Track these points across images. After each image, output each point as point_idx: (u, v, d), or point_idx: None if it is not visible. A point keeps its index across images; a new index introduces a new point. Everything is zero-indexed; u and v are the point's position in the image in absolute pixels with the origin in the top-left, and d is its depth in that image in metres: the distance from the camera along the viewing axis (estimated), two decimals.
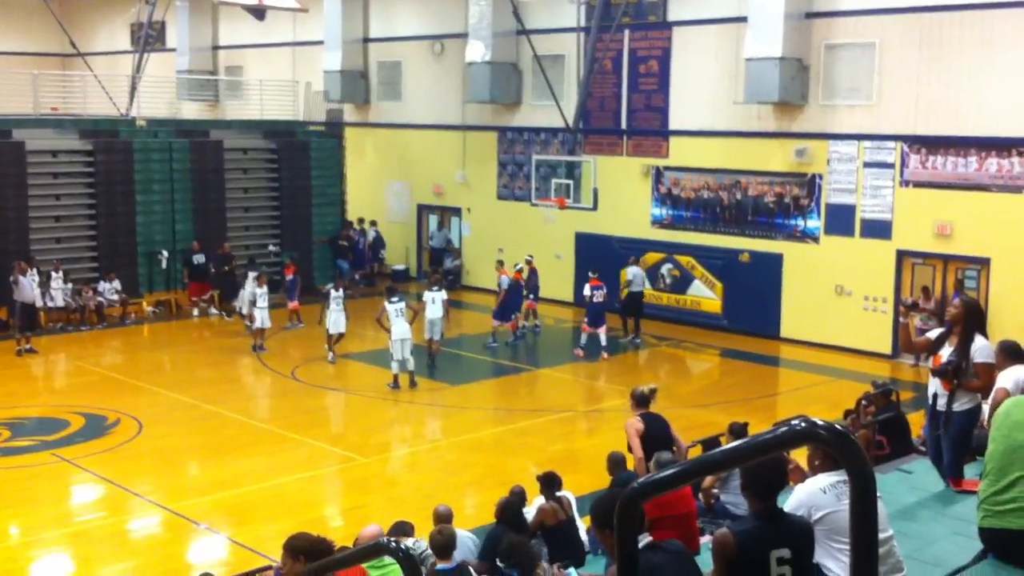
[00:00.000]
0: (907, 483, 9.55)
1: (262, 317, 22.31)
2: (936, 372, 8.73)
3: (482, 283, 29.01)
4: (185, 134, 28.04)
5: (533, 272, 24.14)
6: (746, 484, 5.16)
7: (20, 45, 40.26)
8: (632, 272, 23.50)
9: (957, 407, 8.88)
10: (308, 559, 6.27)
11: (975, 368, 8.64)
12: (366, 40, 31.69)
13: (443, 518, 10.33)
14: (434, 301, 20.50)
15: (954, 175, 20.72)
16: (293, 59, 33.38)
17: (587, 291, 22.03)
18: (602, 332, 21.86)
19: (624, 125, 25.91)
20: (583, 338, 22.15)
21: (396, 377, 19.30)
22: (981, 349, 8.65)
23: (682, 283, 24.70)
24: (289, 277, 24.83)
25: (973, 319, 8.90)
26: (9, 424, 17.22)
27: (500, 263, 24.20)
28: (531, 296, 23.87)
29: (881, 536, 5.51)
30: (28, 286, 22.12)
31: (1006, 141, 19.96)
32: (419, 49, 30.23)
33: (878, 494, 6.12)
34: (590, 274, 22.51)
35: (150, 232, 26.37)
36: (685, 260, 24.71)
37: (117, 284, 25.18)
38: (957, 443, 9.10)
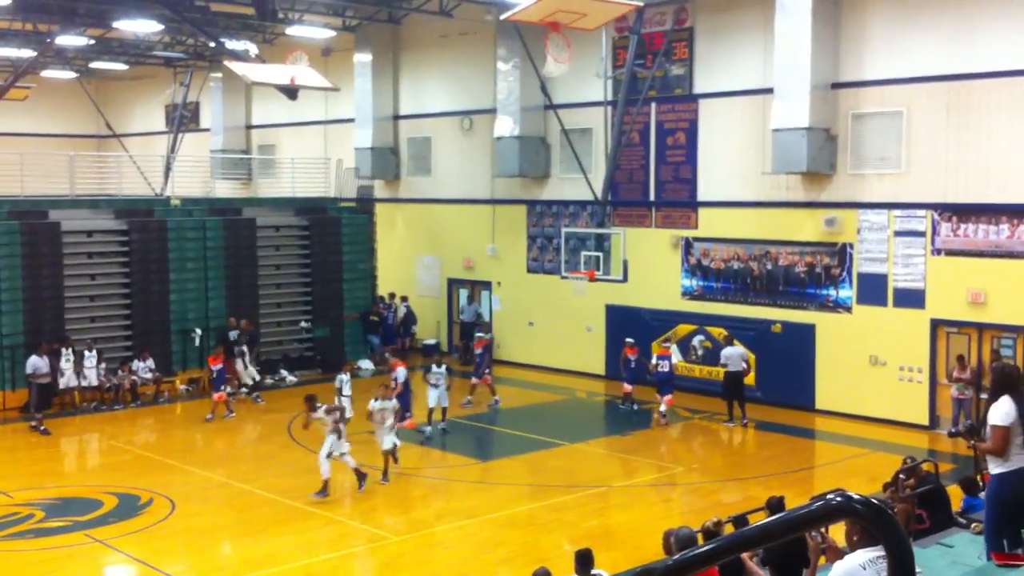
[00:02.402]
0: (948, 557, 9.39)
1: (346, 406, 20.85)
2: (950, 434, 8.63)
3: (514, 357, 29.00)
4: (218, 212, 28.38)
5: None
6: (767, 559, 5.07)
7: (57, 127, 41.13)
8: (727, 353, 22.75)
9: (991, 470, 8.75)
10: None
11: (990, 430, 8.53)
12: (396, 117, 32.11)
13: None
14: (437, 381, 21.53)
15: (986, 242, 20.59)
16: (325, 137, 33.84)
17: (653, 360, 23.18)
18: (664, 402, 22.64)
19: (653, 197, 26.00)
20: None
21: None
22: (995, 411, 8.52)
23: (715, 355, 24.53)
24: (218, 366, 23.71)
25: (1001, 382, 8.80)
26: (42, 505, 17.24)
27: (394, 354, 23.24)
28: (486, 372, 24.08)
29: None
30: (43, 366, 22.82)
31: None
32: (448, 125, 30.58)
33: (918, 570, 6.01)
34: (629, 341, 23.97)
35: (184, 310, 26.59)
36: (717, 331, 24.60)
37: (151, 362, 25.33)
38: (988, 509, 8.93)
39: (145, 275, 26.08)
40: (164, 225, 26.59)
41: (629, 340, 23.97)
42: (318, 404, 18.04)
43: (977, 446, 8.62)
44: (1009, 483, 8.60)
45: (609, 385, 26.33)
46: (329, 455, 17.60)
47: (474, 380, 24.13)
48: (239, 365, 25.24)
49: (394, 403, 18.76)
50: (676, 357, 23.99)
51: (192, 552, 15.23)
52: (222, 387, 23.50)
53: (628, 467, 19.93)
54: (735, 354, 22.61)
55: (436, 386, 21.50)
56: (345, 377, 21.72)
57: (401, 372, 21.39)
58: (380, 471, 18.40)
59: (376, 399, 18.69)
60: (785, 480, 17.91)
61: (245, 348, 25.51)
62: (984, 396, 9.13)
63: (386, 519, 16.90)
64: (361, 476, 17.86)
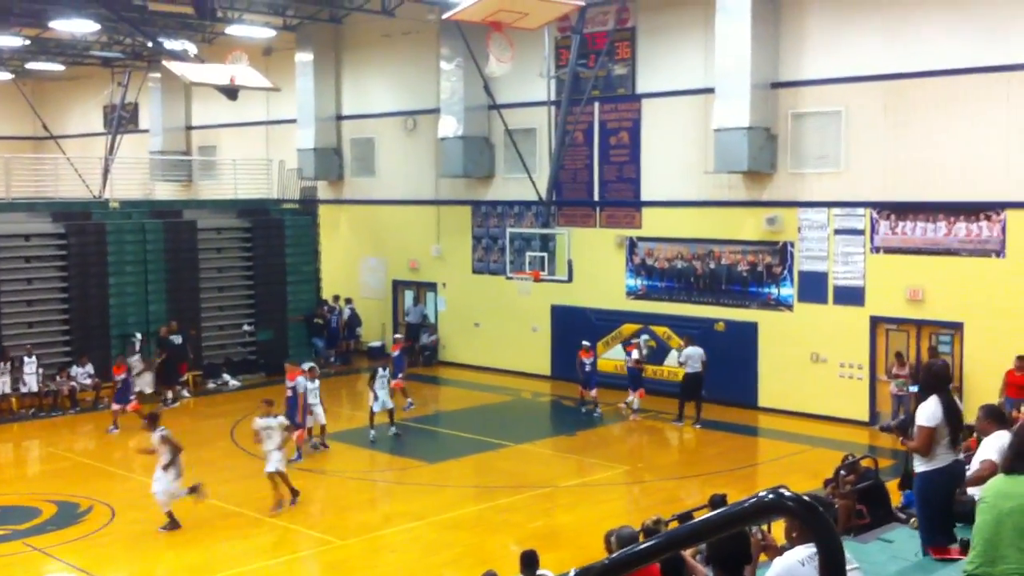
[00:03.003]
0: (888, 552, 9.50)
1: (317, 412, 20.54)
2: (881, 428, 8.77)
3: (459, 359, 28.96)
4: (159, 215, 28.02)
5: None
6: (710, 556, 5.08)
7: None
8: (689, 353, 22.68)
9: (917, 468, 8.87)
10: None
11: (916, 429, 8.64)
12: (339, 117, 31.92)
13: None
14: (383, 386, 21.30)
15: (924, 240, 20.90)
16: (267, 137, 33.56)
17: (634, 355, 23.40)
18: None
19: (597, 196, 26.08)
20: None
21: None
22: (922, 411, 8.62)
23: (659, 354, 24.67)
24: (121, 376, 22.92)
25: (929, 381, 8.91)
26: None
27: (293, 362, 22.00)
28: (399, 375, 23.36)
29: None
30: None
31: (973, 205, 20.18)
32: (392, 125, 30.46)
33: (856, 566, 6.06)
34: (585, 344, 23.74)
35: (123, 314, 26.20)
36: (661, 331, 24.73)
37: (90, 368, 24.92)
38: (921, 506, 9.05)
39: (83, 279, 25.68)
40: (103, 228, 26.20)
41: (585, 343, 23.85)
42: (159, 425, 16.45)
43: (904, 443, 8.73)
44: (934, 481, 8.71)
45: (555, 385, 26.38)
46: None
47: (394, 383, 23.76)
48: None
49: (280, 420, 17.28)
50: (639, 353, 23.68)
51: (133, 560, 15.03)
52: (131, 397, 22.76)
53: (574, 467, 19.96)
54: (696, 354, 22.56)
55: (381, 391, 21.30)
56: (311, 385, 20.37)
57: (300, 382, 20.11)
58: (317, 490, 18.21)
59: (260, 416, 17.35)
60: (729, 478, 18.04)
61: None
62: None
63: (331, 523, 16.77)
64: (172, 522, 15.92)
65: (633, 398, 23.12)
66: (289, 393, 19.96)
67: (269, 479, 17.01)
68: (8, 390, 23.61)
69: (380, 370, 21.67)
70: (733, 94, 22.43)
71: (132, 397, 22.89)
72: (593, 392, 23.33)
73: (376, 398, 21.27)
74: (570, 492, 18.23)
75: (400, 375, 23.36)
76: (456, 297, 29.31)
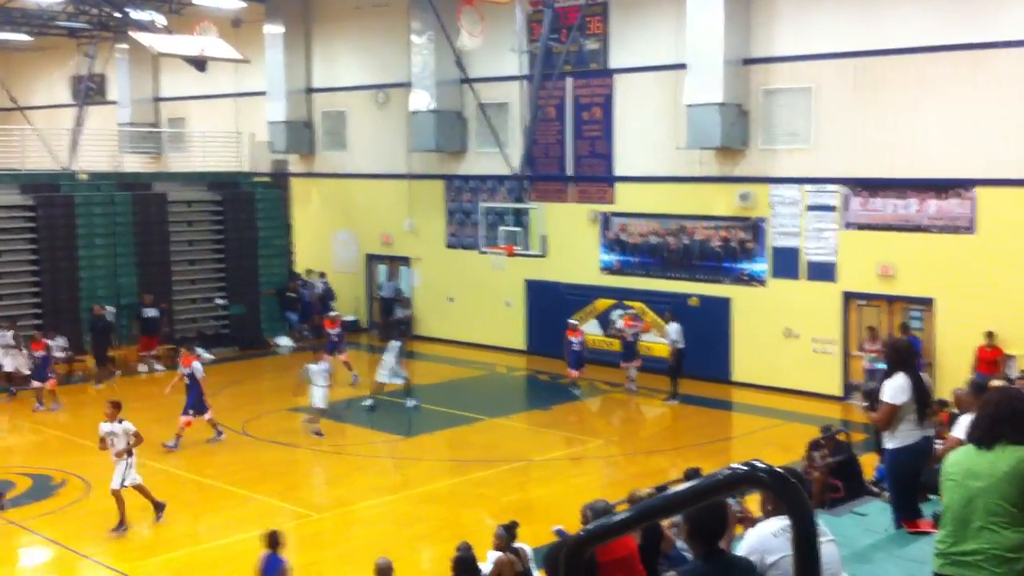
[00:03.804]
0: (861, 525, 9.62)
1: (321, 396, 19.89)
2: (865, 393, 8.84)
3: (433, 332, 28.97)
4: (128, 187, 27.78)
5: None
6: (688, 530, 5.12)
7: None
8: (674, 328, 22.64)
9: (886, 444, 9.00)
10: None
11: (880, 404, 8.77)
12: (310, 90, 31.71)
13: (384, 571, 10.34)
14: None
15: (895, 216, 21.07)
16: (236, 110, 33.28)
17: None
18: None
19: (570, 171, 26.09)
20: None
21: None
22: (888, 387, 8.72)
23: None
24: (40, 353, 22.43)
25: (895, 358, 9.02)
26: None
27: (190, 349, 20.74)
28: (342, 350, 23.92)
29: None
30: None
31: (943, 182, 20.36)
32: (363, 99, 30.29)
33: (831, 538, 6.15)
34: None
35: (93, 287, 26.03)
36: (636, 306, 24.83)
37: (62, 341, 24.63)
38: (891, 482, 9.19)
39: (52, 252, 25.47)
40: (71, 200, 25.98)
41: (572, 322, 23.82)
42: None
43: (868, 415, 8.86)
44: (901, 458, 8.84)
45: (530, 360, 26.46)
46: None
47: (340, 357, 23.72)
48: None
49: (126, 426, 14.93)
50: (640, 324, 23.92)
51: (108, 533, 14.98)
52: (49, 374, 22.25)
53: (548, 441, 20.05)
54: (680, 330, 22.61)
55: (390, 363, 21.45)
56: (317, 367, 19.92)
57: (197, 367, 19.24)
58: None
59: (105, 421, 15.13)
60: (702, 451, 18.20)
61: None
62: None
63: (307, 496, 16.80)
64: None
65: (632, 369, 23.15)
66: (187, 380, 19.14)
67: (114, 497, 14.77)
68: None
69: (395, 342, 21.70)
70: (705, 70, 22.47)
71: (51, 374, 22.32)
72: (577, 372, 23.15)
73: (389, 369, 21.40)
74: (544, 466, 18.34)
75: (341, 351, 23.78)
76: (430, 272, 29.28)
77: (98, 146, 32.34)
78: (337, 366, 22.40)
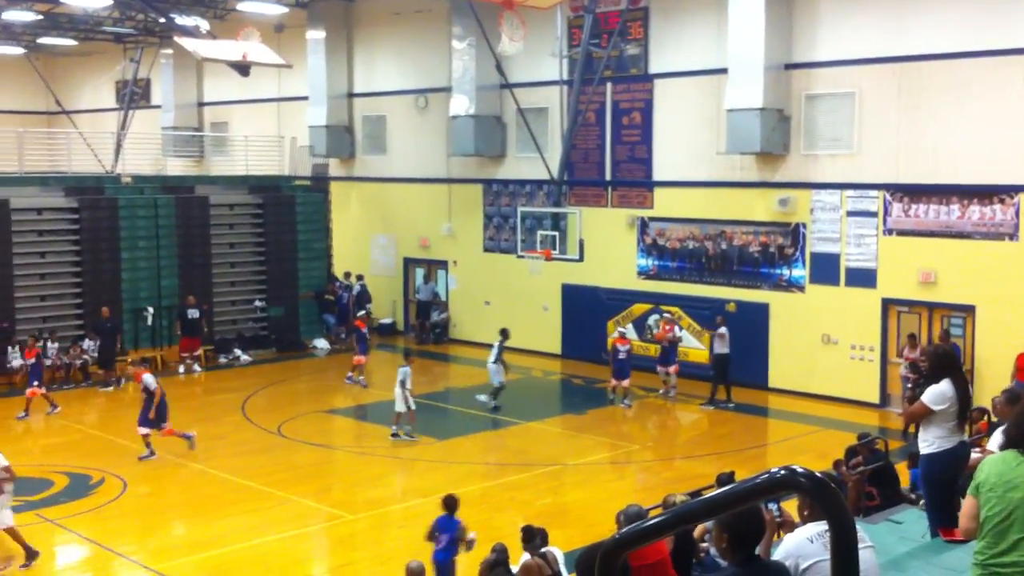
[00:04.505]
0: (897, 533, 9.51)
1: (405, 397, 19.66)
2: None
3: (470, 336, 28.99)
4: (170, 190, 28.06)
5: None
6: (724, 536, 5.08)
7: (5, 104, 40.38)
8: (722, 332, 22.30)
9: (922, 450, 8.89)
10: None
11: (917, 403, 8.68)
12: (351, 95, 31.88)
13: (415, 575, 10.33)
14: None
15: (936, 223, 20.83)
16: (278, 114, 33.54)
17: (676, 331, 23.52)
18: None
19: (608, 176, 26.04)
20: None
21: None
22: (931, 391, 8.63)
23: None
24: (31, 360, 22.15)
25: (939, 364, 8.92)
26: None
27: (142, 361, 20.63)
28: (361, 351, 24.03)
29: None
30: None
31: (987, 188, 20.11)
32: (403, 103, 30.41)
33: (869, 544, 6.07)
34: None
35: (135, 289, 26.30)
36: (673, 311, 24.70)
37: (56, 346, 24.45)
38: (926, 489, 9.07)
39: (96, 253, 25.76)
40: (115, 203, 26.27)
41: (620, 330, 23.44)
42: None
43: (904, 407, 8.77)
44: (939, 463, 8.73)
45: (565, 364, 26.42)
46: None
47: (363, 359, 24.07)
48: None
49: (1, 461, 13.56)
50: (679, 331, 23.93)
51: (144, 532, 15.13)
52: (35, 382, 21.79)
53: (583, 445, 19.98)
54: (726, 336, 22.32)
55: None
56: (407, 369, 19.77)
57: (149, 379, 18.54)
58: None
59: None
60: (738, 457, 18.08)
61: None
62: None
63: (341, 498, 16.85)
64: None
65: (671, 373, 23.03)
66: (144, 395, 18.62)
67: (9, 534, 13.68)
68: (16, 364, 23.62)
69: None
70: (746, 75, 22.34)
71: (35, 382, 21.81)
72: (626, 382, 22.38)
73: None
74: (578, 470, 18.29)
75: (364, 352, 24.05)
76: (467, 275, 29.32)
77: (142, 150, 32.73)
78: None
